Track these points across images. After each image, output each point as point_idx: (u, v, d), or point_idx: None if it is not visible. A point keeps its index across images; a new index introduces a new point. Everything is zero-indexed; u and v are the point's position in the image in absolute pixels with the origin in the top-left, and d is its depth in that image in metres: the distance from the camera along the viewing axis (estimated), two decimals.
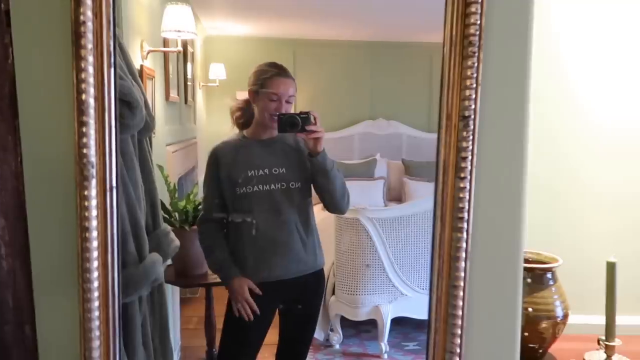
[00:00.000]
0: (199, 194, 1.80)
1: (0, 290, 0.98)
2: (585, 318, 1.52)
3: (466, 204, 0.97)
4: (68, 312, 0.98)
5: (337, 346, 2.00)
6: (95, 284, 0.95)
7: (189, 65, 2.23)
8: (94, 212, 0.94)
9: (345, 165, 2.12)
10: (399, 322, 1.94)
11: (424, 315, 1.05)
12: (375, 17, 2.11)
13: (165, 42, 1.94)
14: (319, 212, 1.70)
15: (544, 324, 1.41)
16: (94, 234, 0.94)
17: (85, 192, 0.93)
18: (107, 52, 0.92)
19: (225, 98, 2.11)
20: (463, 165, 0.96)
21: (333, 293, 1.98)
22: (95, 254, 0.95)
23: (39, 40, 0.95)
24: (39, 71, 0.96)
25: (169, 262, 1.62)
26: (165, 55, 1.98)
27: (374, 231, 1.91)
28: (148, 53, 1.75)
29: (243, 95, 1.69)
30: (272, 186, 1.60)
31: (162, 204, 1.60)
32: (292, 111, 1.60)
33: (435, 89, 1.01)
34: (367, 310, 1.94)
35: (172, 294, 1.86)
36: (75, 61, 0.91)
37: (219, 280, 1.71)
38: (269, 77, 1.59)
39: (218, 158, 1.64)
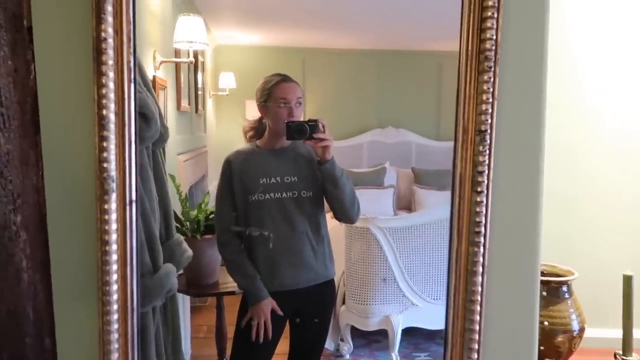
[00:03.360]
0: (210, 202, 1.80)
1: (21, 302, 0.99)
2: (602, 332, 1.51)
3: (483, 218, 0.97)
4: (88, 324, 0.99)
5: (348, 356, 1.99)
6: (115, 296, 0.96)
7: (199, 74, 2.24)
8: (114, 226, 0.95)
9: (354, 174, 2.12)
10: (409, 332, 1.92)
11: (435, 326, 1.05)
12: (383, 26, 2.12)
13: (176, 52, 1.95)
14: (329, 221, 1.70)
15: (560, 338, 1.40)
16: (114, 247, 0.95)
17: (106, 206, 0.94)
18: (127, 68, 0.94)
19: (235, 107, 2.12)
20: (480, 179, 0.97)
21: (343, 303, 1.98)
22: (114, 266, 0.96)
23: (61, 56, 0.96)
24: (61, 87, 0.97)
25: (181, 271, 1.62)
26: (177, 66, 1.99)
27: (384, 240, 1.91)
28: (160, 64, 1.77)
29: (252, 105, 1.70)
30: (284, 194, 1.61)
31: (174, 214, 1.61)
32: (301, 115, 1.62)
33: (444, 97, 1.02)
34: (378, 320, 1.93)
35: (183, 303, 1.86)
36: (97, 77, 0.92)
37: (229, 289, 1.71)
38: (274, 84, 1.61)
39: (231, 166, 1.66)
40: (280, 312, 1.61)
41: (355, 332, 1.98)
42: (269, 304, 1.61)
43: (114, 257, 0.95)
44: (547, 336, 1.38)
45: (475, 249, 0.97)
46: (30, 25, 0.96)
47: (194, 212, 1.82)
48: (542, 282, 1.37)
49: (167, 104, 1.83)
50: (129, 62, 0.94)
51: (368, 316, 1.94)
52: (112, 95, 0.93)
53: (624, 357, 1.33)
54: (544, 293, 1.39)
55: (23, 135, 0.97)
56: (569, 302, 1.42)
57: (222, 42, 2.35)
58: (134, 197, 0.97)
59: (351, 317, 1.96)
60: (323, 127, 1.54)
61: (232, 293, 1.73)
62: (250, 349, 1.66)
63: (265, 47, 2.39)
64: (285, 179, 1.62)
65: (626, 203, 1.72)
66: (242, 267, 1.64)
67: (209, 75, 2.37)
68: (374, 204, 2.22)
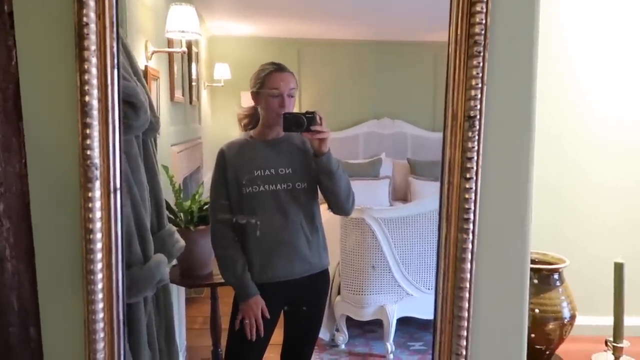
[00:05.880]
0: (204, 194, 1.80)
1: (5, 292, 0.98)
2: (592, 319, 1.51)
3: (472, 204, 0.96)
4: (73, 313, 0.98)
5: (343, 346, 1.99)
6: (100, 285, 0.95)
7: (193, 65, 2.23)
8: (98, 214, 0.94)
9: (350, 165, 2.11)
10: (404, 322, 1.93)
11: (429, 316, 1.04)
12: (379, 17, 2.11)
13: (169, 43, 1.94)
14: (324, 212, 1.69)
15: (551, 325, 1.40)
16: (98, 235, 0.94)
17: (90, 194, 0.93)
18: (111, 53, 0.92)
19: (230, 98, 2.11)
20: (469, 165, 0.95)
21: (339, 293, 1.98)
22: (99, 255, 0.95)
23: (43, 41, 0.95)
24: (43, 73, 0.96)
25: (174, 262, 1.62)
26: (170, 56, 1.97)
27: (379, 231, 1.90)
28: (152, 54, 1.75)
29: (247, 96, 1.69)
30: (278, 186, 1.60)
31: (167, 205, 1.60)
32: (295, 106, 1.61)
33: (440, 88, 1.01)
34: (373, 310, 1.93)
35: (178, 295, 1.86)
36: (79, 63, 0.91)
37: (223, 280, 1.71)
38: (268, 73, 1.60)
39: (225, 158, 1.65)
40: (267, 316, 1.61)
41: (351, 322, 1.98)
42: (257, 302, 1.60)
43: (99, 245, 0.94)
44: (538, 323, 1.39)
45: (464, 236, 0.96)
46: (11, 11, 0.95)
47: (187, 203, 1.81)
48: (533, 269, 1.37)
49: (159, 94, 1.82)
50: (112, 47, 0.92)
51: (363, 306, 1.94)
52: (95, 82, 0.92)
53: (615, 344, 1.33)
54: (535, 281, 1.39)
55: (5, 121, 0.96)
56: (560, 289, 1.41)
57: (217, 32, 2.33)
58: (118, 185, 0.96)
59: (346, 307, 1.96)
60: (320, 119, 1.53)
61: (224, 284, 1.73)
62: (244, 341, 1.66)
63: (260, 38, 2.37)
64: (280, 171, 1.61)
65: (617, 192, 1.72)
66: (232, 263, 1.63)
67: (204, 66, 2.36)
68: (369, 195, 2.22)
